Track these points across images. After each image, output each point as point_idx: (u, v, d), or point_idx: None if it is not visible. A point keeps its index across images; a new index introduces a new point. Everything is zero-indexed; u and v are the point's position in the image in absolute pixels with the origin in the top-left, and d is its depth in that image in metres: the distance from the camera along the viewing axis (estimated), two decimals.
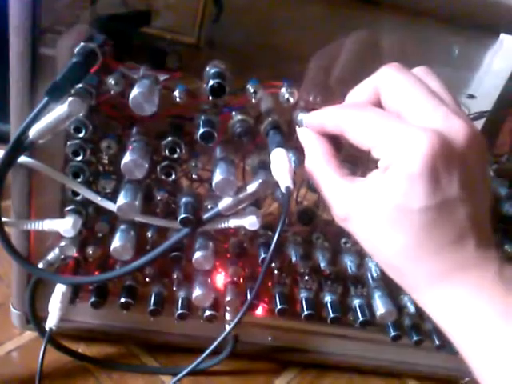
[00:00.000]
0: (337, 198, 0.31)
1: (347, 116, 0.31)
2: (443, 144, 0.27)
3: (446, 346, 0.55)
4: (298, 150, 0.44)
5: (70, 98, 0.37)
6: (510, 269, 0.29)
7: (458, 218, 0.28)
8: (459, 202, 0.28)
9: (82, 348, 0.54)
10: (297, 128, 0.36)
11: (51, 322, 0.46)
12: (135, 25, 0.49)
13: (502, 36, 0.54)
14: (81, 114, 0.38)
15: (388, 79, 0.31)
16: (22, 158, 0.41)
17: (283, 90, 0.41)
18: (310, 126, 0.35)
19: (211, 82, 0.38)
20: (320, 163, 0.33)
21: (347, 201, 0.30)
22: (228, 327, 0.49)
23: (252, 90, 0.40)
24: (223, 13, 0.53)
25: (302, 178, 0.47)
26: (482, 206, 0.30)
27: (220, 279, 0.51)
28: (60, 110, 0.37)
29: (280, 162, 0.37)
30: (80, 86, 0.38)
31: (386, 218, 0.29)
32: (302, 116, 0.37)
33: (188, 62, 0.54)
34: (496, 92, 0.55)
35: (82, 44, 0.38)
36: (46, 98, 0.37)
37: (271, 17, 0.54)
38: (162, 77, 0.42)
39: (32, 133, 0.38)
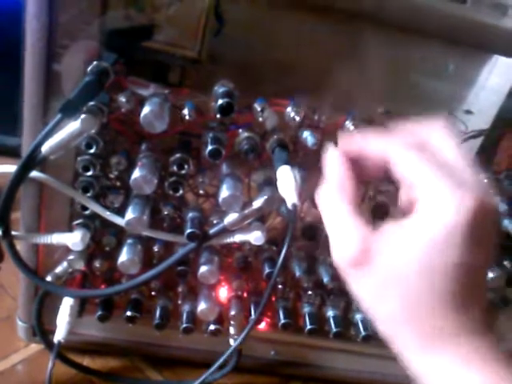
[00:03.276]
0: (352, 237, 0.28)
1: (398, 146, 0.29)
2: (483, 208, 0.26)
3: None
4: (302, 168, 0.45)
5: (83, 116, 0.38)
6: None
7: (478, 284, 0.27)
8: (482, 269, 0.28)
9: (86, 361, 0.54)
10: (326, 151, 0.31)
11: (59, 335, 0.47)
12: (137, 39, 0.50)
13: None
14: (92, 131, 0.39)
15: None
16: (34, 173, 0.42)
17: (289, 108, 0.42)
18: (345, 147, 0.31)
19: (220, 101, 0.39)
20: (339, 195, 0.29)
21: (367, 241, 0.28)
22: (232, 341, 0.50)
23: (259, 109, 0.42)
24: (224, 27, 0.55)
25: (306, 195, 0.48)
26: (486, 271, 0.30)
27: (224, 293, 0.52)
28: (73, 126, 0.38)
29: (286, 180, 0.38)
30: (92, 103, 0.39)
31: (419, 262, 0.26)
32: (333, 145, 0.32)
33: (190, 77, 0.55)
34: (493, 109, 0.56)
35: (94, 63, 0.39)
36: (60, 115, 0.38)
37: (272, 31, 0.55)
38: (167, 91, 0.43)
39: (44, 148, 0.39)
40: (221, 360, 0.33)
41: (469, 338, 0.27)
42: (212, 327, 0.50)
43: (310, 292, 0.52)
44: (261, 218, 0.46)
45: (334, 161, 0.30)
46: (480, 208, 0.26)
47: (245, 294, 0.52)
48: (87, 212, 0.45)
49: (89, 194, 0.44)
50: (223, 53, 0.53)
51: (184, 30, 0.53)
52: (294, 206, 0.36)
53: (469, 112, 0.56)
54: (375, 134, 0.30)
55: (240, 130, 0.43)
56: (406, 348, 0.28)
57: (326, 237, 0.48)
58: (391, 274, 0.27)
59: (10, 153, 0.79)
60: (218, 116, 0.40)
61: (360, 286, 0.29)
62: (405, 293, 0.27)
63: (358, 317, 0.53)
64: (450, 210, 0.26)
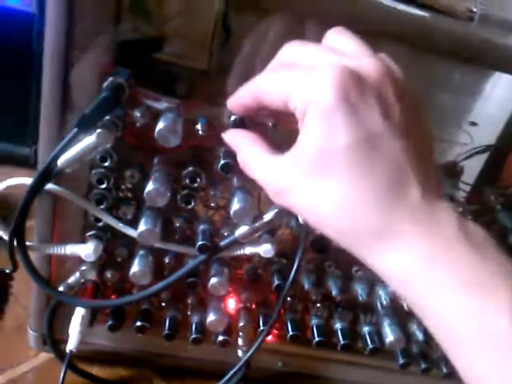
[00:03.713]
0: (270, 174, 0.29)
1: (259, 80, 0.30)
2: (352, 74, 0.25)
3: (453, 374, 0.55)
4: None
5: (99, 130, 0.39)
6: (473, 225, 0.26)
7: (390, 154, 0.25)
8: (387, 133, 0.25)
9: (95, 370, 0.55)
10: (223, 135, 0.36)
11: (71, 345, 0.47)
12: (146, 51, 0.50)
13: None
14: (108, 145, 0.40)
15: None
16: (49, 185, 0.43)
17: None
18: (233, 108, 0.34)
19: (233, 117, 0.40)
20: (250, 150, 0.32)
21: (280, 172, 0.28)
22: (240, 352, 0.50)
23: (270, 124, 0.42)
24: (232, 38, 0.55)
25: None
26: (420, 147, 0.27)
27: (233, 305, 0.52)
28: (88, 140, 0.39)
29: None
30: (107, 117, 0.40)
31: (315, 168, 0.26)
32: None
33: (198, 88, 0.56)
34: (498, 121, 0.57)
35: (110, 79, 0.40)
36: (76, 130, 0.38)
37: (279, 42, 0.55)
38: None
39: (60, 161, 0.39)
40: (232, 372, 0.33)
41: (415, 223, 0.25)
42: (221, 338, 0.51)
43: (318, 304, 0.53)
44: (270, 230, 0.46)
45: (228, 136, 0.34)
46: (348, 74, 0.25)
47: (253, 306, 0.53)
48: (100, 223, 0.46)
49: (102, 206, 0.44)
50: (231, 64, 0.54)
51: (192, 42, 0.53)
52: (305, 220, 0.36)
53: (474, 124, 0.56)
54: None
55: None
56: (365, 255, 0.27)
57: (336, 250, 0.49)
58: (314, 186, 0.27)
59: (20, 162, 0.80)
60: None
61: (297, 210, 0.29)
62: (333, 197, 0.26)
63: (365, 329, 0.53)
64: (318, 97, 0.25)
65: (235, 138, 0.35)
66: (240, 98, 0.33)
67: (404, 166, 0.25)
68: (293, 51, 0.30)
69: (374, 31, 0.46)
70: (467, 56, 0.43)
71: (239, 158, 0.33)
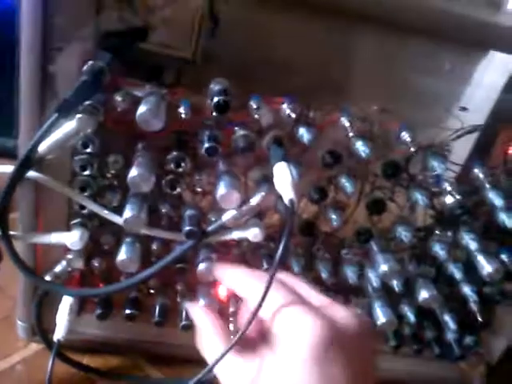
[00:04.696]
0: (229, 377, 0.33)
1: (250, 286, 0.35)
2: (335, 334, 0.30)
3: (445, 355, 0.56)
4: (298, 164, 0.45)
5: (79, 115, 0.38)
6: None
7: None
8: (342, 381, 0.30)
9: (86, 360, 0.55)
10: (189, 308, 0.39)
11: (59, 334, 0.47)
12: (132, 41, 0.50)
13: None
14: (89, 130, 0.39)
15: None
16: (30, 173, 0.42)
17: (285, 105, 0.42)
18: (218, 277, 0.39)
19: (216, 99, 0.39)
20: (211, 340, 0.35)
21: (241, 380, 0.32)
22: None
23: (255, 106, 0.42)
24: (219, 28, 0.55)
25: (302, 191, 0.49)
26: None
27: (223, 290, 0.52)
28: (69, 126, 0.38)
29: (283, 176, 0.38)
30: (88, 102, 0.39)
31: None
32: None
33: (185, 78, 0.55)
34: (488, 105, 0.56)
35: (90, 62, 0.39)
36: (56, 115, 0.38)
37: (267, 31, 0.55)
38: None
39: (41, 148, 0.39)
40: (220, 356, 0.33)
41: None
42: None
43: None
44: (258, 214, 0.46)
45: (199, 315, 0.38)
46: (326, 335, 0.30)
47: None
48: (85, 211, 0.45)
49: (86, 194, 0.44)
50: (218, 53, 0.54)
51: (178, 31, 0.53)
52: (291, 201, 0.36)
53: (464, 109, 0.56)
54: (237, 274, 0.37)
55: (236, 128, 0.43)
56: None
57: (324, 233, 0.49)
58: None
59: (6, 154, 0.79)
60: (214, 114, 0.40)
61: None
62: None
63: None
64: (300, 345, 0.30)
65: (201, 320, 0.38)
66: (229, 284, 0.38)
67: None
68: (300, 287, 0.36)
69: (362, 14, 0.45)
70: (454, 34, 0.43)
71: (199, 342, 0.37)
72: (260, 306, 0.32)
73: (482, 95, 0.57)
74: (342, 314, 0.32)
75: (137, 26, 0.51)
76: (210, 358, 0.34)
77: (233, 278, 0.37)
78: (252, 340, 0.35)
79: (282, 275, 0.38)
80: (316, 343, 0.30)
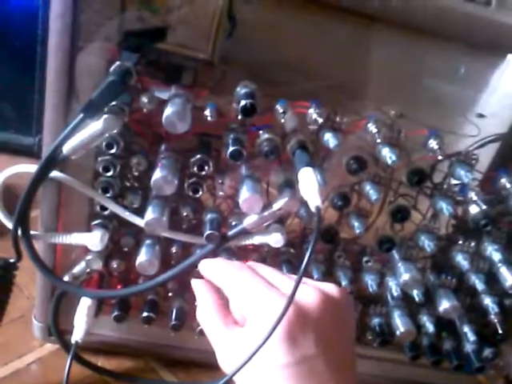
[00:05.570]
0: (220, 347, 0.35)
1: (230, 284, 0.35)
2: (297, 313, 0.32)
3: (463, 366, 0.55)
4: (323, 169, 0.45)
5: (105, 116, 0.38)
6: None
7: (318, 370, 0.32)
8: (317, 357, 0.32)
9: (101, 361, 0.54)
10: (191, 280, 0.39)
11: (77, 336, 0.46)
12: (151, 41, 0.50)
13: (510, 56, 0.55)
14: (114, 131, 0.39)
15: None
16: (54, 173, 0.42)
17: (311, 110, 0.42)
18: (202, 270, 0.38)
19: (243, 102, 0.39)
20: (208, 313, 0.36)
21: (228, 351, 0.34)
22: None
23: (281, 110, 0.41)
24: (237, 29, 0.54)
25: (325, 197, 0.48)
26: (343, 357, 0.34)
27: None
28: (94, 126, 0.38)
29: (308, 182, 0.37)
30: (113, 103, 0.39)
31: (259, 371, 0.32)
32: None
33: (202, 78, 0.55)
34: (506, 112, 0.56)
35: (117, 63, 0.39)
36: (82, 115, 0.37)
37: (282, 34, 0.54)
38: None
39: (66, 148, 0.38)
40: (242, 364, 0.32)
41: None
42: None
43: None
44: (280, 220, 0.45)
45: (200, 289, 0.37)
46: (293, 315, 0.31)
47: None
48: (106, 212, 0.45)
49: (108, 195, 0.44)
50: (236, 54, 0.53)
51: (197, 32, 0.53)
52: (318, 208, 0.35)
53: (481, 115, 0.56)
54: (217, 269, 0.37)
55: (260, 132, 0.43)
56: None
57: (345, 240, 0.48)
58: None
59: (25, 152, 0.79)
60: (240, 117, 0.40)
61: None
62: None
63: (375, 321, 0.52)
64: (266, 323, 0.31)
65: (200, 293, 0.37)
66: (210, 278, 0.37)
67: (328, 377, 0.32)
68: (267, 271, 0.36)
69: (388, 18, 0.45)
70: (484, 40, 0.42)
71: (198, 314, 0.37)
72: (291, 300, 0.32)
73: (498, 101, 0.56)
74: (305, 292, 0.33)
75: (156, 26, 0.51)
76: (207, 331, 0.35)
77: (211, 269, 0.38)
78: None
79: (249, 263, 0.39)
80: (283, 324, 0.31)
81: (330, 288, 0.35)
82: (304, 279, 0.33)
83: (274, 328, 0.31)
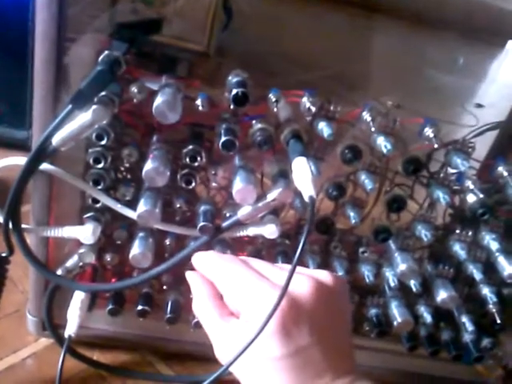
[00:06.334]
0: (217, 339, 0.34)
1: (222, 278, 0.35)
2: (290, 304, 0.31)
3: (462, 357, 0.54)
4: (317, 159, 0.44)
5: (94, 106, 0.37)
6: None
7: (314, 360, 0.32)
8: (312, 346, 0.31)
9: (96, 355, 0.54)
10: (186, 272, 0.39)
11: (70, 330, 0.46)
12: (146, 33, 0.49)
13: (509, 45, 0.54)
14: (104, 122, 0.38)
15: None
16: (44, 165, 0.41)
17: (305, 99, 0.41)
18: (195, 263, 0.38)
19: (234, 91, 0.38)
20: (204, 305, 0.36)
21: (224, 343, 0.34)
22: None
23: (274, 99, 0.41)
24: (233, 21, 0.54)
25: (320, 187, 0.47)
26: (340, 345, 0.33)
27: None
28: (84, 117, 0.37)
29: (302, 172, 0.37)
30: (103, 93, 0.38)
31: (254, 364, 0.32)
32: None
33: (197, 70, 0.54)
34: (505, 102, 0.55)
35: (106, 52, 0.38)
36: (70, 106, 0.37)
37: (280, 25, 0.54)
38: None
39: (55, 140, 0.38)
40: (235, 357, 0.32)
41: None
42: None
43: None
44: (274, 211, 0.45)
45: (195, 281, 0.37)
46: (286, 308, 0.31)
47: None
48: (98, 205, 0.44)
49: (100, 187, 0.43)
50: (232, 46, 0.53)
51: (192, 24, 0.52)
52: (312, 198, 0.35)
53: (480, 105, 0.55)
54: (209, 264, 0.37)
55: (253, 122, 0.42)
56: None
57: (341, 231, 0.48)
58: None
59: (18, 146, 0.79)
60: (232, 106, 0.39)
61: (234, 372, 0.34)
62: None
63: (372, 312, 0.52)
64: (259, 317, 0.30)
65: (195, 285, 0.37)
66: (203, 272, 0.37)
67: (324, 366, 0.32)
68: (258, 263, 0.36)
69: (385, 7, 0.44)
70: (478, 24, 0.42)
71: (194, 306, 0.37)
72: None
73: (497, 92, 0.56)
74: (298, 281, 0.33)
75: (151, 18, 0.50)
76: (204, 323, 0.35)
77: (203, 263, 0.37)
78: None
79: (242, 257, 0.38)
80: (276, 316, 0.31)
81: (324, 276, 0.34)
82: (298, 268, 0.32)
83: (267, 321, 0.30)
